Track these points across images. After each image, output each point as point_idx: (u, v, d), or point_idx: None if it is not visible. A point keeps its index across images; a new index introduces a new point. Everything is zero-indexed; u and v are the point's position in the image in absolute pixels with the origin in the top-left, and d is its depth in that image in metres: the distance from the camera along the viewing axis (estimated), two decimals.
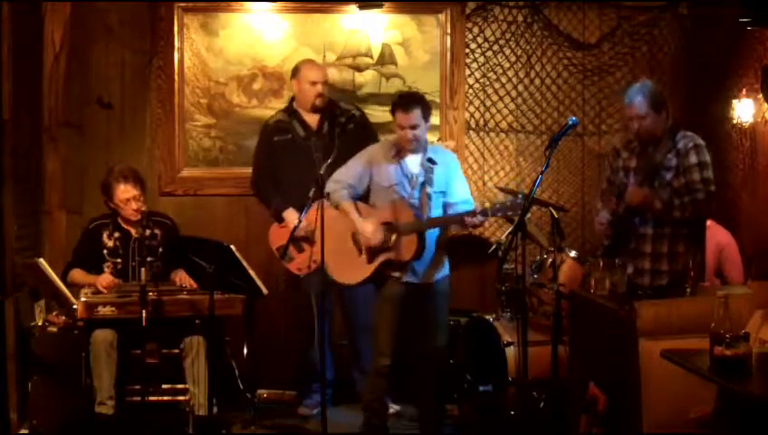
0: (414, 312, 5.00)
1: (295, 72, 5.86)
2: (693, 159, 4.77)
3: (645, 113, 4.79)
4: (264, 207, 5.89)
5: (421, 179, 4.95)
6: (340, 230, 5.02)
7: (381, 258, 4.95)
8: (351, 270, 5.02)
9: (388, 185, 4.98)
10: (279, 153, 5.78)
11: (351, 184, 5.05)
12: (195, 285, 5.30)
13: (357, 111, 5.96)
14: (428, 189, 4.92)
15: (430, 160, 4.96)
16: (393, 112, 4.97)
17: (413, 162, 4.99)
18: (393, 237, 4.92)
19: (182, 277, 5.38)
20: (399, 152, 5.00)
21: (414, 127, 4.90)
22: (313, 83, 5.76)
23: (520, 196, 4.85)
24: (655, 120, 4.81)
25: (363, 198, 5.13)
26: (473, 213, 4.81)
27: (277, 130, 5.82)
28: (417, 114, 4.90)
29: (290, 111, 5.86)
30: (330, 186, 5.04)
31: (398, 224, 4.92)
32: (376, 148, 5.17)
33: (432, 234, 4.95)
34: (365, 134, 5.76)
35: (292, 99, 5.90)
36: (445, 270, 5.06)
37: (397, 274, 4.95)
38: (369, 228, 4.93)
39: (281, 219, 5.72)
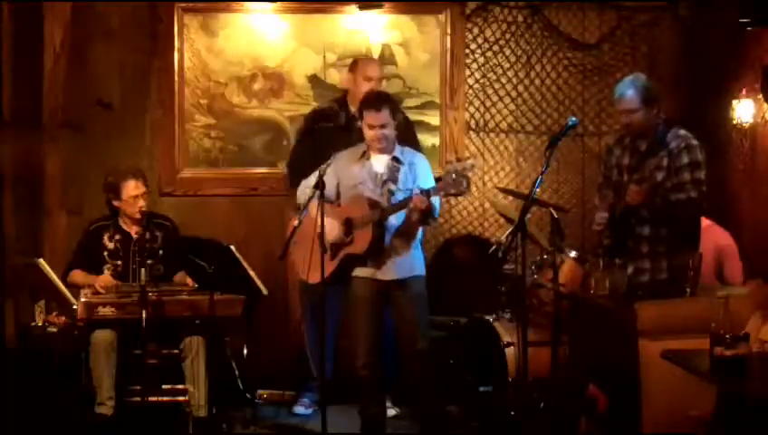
0: (389, 311, 5.00)
1: (353, 66, 5.76)
2: (684, 159, 4.74)
3: (636, 107, 4.78)
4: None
5: (385, 178, 4.98)
6: (310, 232, 5.03)
7: (342, 253, 5.00)
8: (318, 269, 5.02)
9: (353, 184, 5.02)
10: (319, 140, 5.65)
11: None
12: (195, 285, 5.31)
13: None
14: (391, 186, 4.95)
15: (395, 160, 5.00)
16: (361, 112, 4.99)
17: (379, 162, 5.03)
18: (352, 231, 4.97)
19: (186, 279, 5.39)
20: (365, 153, 5.03)
21: (383, 126, 4.94)
22: (369, 79, 5.66)
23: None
24: (646, 115, 4.79)
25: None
26: (414, 197, 4.77)
27: (322, 117, 5.76)
28: (386, 114, 4.94)
29: (341, 102, 5.76)
30: (300, 191, 5.11)
31: (355, 218, 4.96)
32: (342, 153, 5.17)
33: (391, 227, 4.95)
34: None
35: (346, 92, 5.76)
36: (416, 269, 5.04)
37: (360, 271, 4.97)
38: (328, 226, 4.96)
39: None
